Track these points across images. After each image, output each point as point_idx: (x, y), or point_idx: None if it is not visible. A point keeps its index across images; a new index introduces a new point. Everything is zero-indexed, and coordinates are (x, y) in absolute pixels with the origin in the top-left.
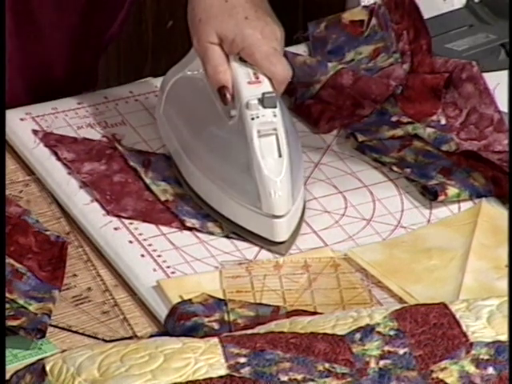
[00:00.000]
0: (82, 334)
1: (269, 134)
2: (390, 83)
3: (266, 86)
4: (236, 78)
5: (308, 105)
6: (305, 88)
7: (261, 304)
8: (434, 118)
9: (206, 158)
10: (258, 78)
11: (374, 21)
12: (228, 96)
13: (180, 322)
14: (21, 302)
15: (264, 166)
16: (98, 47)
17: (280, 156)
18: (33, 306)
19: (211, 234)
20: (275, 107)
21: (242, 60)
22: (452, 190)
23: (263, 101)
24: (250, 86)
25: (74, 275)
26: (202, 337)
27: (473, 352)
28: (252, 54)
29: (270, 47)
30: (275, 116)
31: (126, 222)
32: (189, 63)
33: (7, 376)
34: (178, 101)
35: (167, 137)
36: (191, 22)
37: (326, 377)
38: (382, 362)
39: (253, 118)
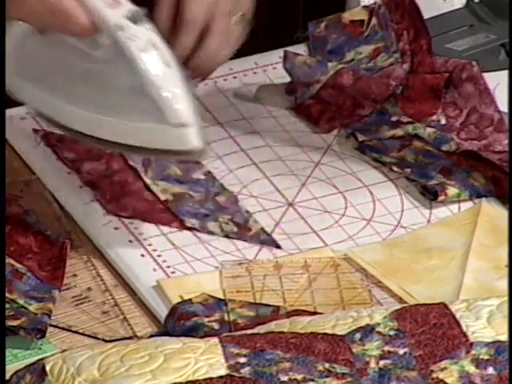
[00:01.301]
0: (82, 333)
1: (149, 49)
2: (390, 83)
3: (126, 5)
4: (93, 4)
5: (308, 105)
6: (305, 88)
7: (261, 304)
8: (434, 117)
9: (89, 95)
10: None
11: (374, 21)
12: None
13: (180, 321)
14: (21, 302)
15: (157, 80)
16: None
17: (169, 67)
18: (33, 306)
19: (211, 233)
20: (144, 21)
21: None
22: (452, 190)
23: (133, 18)
24: (111, 9)
25: (74, 275)
26: (202, 337)
27: (473, 352)
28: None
29: (227, 24)
30: (149, 30)
31: (126, 221)
32: None
33: (7, 376)
34: (28, 54)
35: (31, 95)
36: None
37: (326, 377)
38: (381, 362)
39: (129, 38)
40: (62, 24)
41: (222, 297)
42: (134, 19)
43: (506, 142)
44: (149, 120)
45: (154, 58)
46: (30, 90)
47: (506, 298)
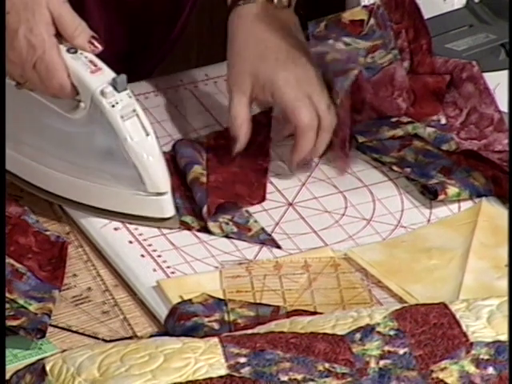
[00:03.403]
0: (82, 333)
1: (130, 116)
2: (401, 106)
3: (108, 72)
4: (76, 70)
5: None
6: (342, 76)
7: (261, 304)
8: (434, 117)
9: (65, 157)
10: (96, 65)
11: (372, 21)
12: (234, 147)
13: (180, 321)
14: (21, 302)
15: (138, 147)
16: (152, 62)
17: (147, 134)
18: (33, 306)
19: (211, 233)
20: (127, 89)
21: (72, 52)
22: (452, 190)
23: (116, 85)
24: (94, 76)
25: (74, 275)
26: (202, 337)
27: (473, 352)
28: (281, 97)
29: (299, 92)
30: (130, 97)
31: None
32: None
33: (7, 376)
34: None
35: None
36: (232, 49)
37: (326, 377)
38: (381, 362)
39: (113, 105)
40: (44, 79)
41: (221, 297)
42: (116, 86)
43: (506, 141)
44: (126, 186)
45: (134, 125)
46: None
47: (506, 298)
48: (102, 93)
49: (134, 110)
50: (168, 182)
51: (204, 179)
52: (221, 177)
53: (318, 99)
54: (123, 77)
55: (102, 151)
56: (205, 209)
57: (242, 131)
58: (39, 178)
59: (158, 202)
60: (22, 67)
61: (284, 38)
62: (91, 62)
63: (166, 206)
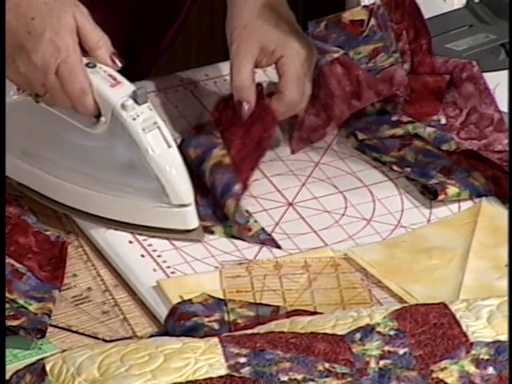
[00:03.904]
0: (82, 333)
1: (152, 128)
2: (396, 93)
3: (127, 85)
4: (96, 84)
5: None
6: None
7: (261, 304)
8: (435, 117)
9: (86, 171)
10: (115, 79)
11: (372, 21)
12: (244, 110)
13: (180, 321)
14: (21, 302)
15: (160, 159)
16: (149, 61)
17: (169, 146)
18: (33, 306)
19: (211, 233)
20: (147, 101)
21: (91, 66)
22: (452, 190)
23: (136, 98)
24: (114, 89)
25: (74, 275)
26: (202, 337)
27: (473, 352)
28: (285, 65)
29: (303, 68)
30: (151, 110)
31: None
32: (9, 89)
33: (7, 376)
34: (13, 128)
35: (16, 169)
36: (235, 25)
37: (326, 377)
38: (382, 362)
39: (134, 119)
40: (66, 83)
41: (222, 297)
42: (137, 99)
43: (506, 141)
44: (149, 199)
45: (156, 137)
46: (13, 163)
47: (506, 298)
48: (123, 106)
49: (155, 123)
50: (191, 193)
51: (227, 160)
52: (240, 144)
53: (308, 84)
54: (143, 89)
55: (124, 164)
56: (237, 186)
57: (251, 93)
58: (59, 193)
59: (182, 213)
60: (44, 72)
61: (290, 15)
62: (110, 75)
63: (190, 218)
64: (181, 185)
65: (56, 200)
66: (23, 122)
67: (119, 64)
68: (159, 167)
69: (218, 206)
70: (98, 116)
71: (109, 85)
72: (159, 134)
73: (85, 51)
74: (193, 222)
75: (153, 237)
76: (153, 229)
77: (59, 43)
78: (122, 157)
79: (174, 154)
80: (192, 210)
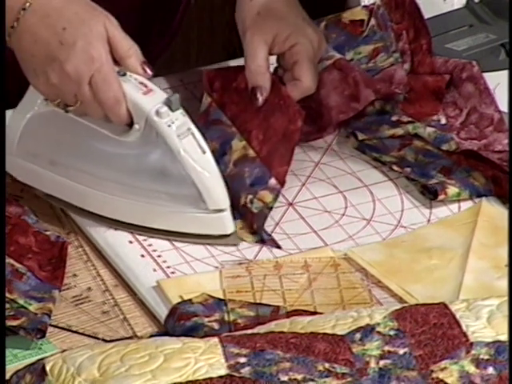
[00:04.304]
0: (82, 333)
1: (186, 134)
2: (395, 91)
3: (160, 92)
4: (128, 92)
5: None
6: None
7: (261, 304)
8: (435, 117)
9: (116, 179)
10: (146, 86)
11: (372, 21)
12: (259, 96)
13: (180, 321)
14: (21, 302)
15: (197, 166)
16: (149, 61)
17: (204, 152)
18: (33, 306)
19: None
20: (180, 108)
21: (122, 74)
22: (452, 190)
23: (170, 105)
24: (147, 96)
25: (74, 275)
26: (202, 337)
27: (473, 352)
28: (300, 53)
29: (315, 56)
30: (184, 116)
31: None
32: (35, 100)
33: (7, 376)
34: (40, 138)
35: (43, 180)
36: (247, 12)
37: (326, 377)
38: (382, 362)
39: (169, 125)
40: (100, 92)
41: (222, 297)
42: (171, 105)
43: (506, 141)
44: (184, 205)
45: (191, 143)
46: (40, 174)
47: (506, 298)
48: (157, 113)
49: (189, 129)
50: (227, 198)
51: (252, 152)
52: (261, 135)
53: (317, 69)
54: (176, 96)
55: (158, 171)
56: (273, 180)
57: (266, 79)
58: (89, 201)
59: (219, 219)
60: (77, 82)
61: (298, 3)
62: (141, 83)
63: (227, 223)
64: (217, 190)
65: (85, 209)
66: (50, 133)
67: (150, 72)
68: (196, 173)
69: (236, 198)
70: (130, 124)
71: (141, 92)
72: (193, 140)
73: (115, 60)
74: (229, 226)
75: (188, 243)
76: (188, 235)
77: (92, 53)
78: (156, 164)
79: (209, 160)
80: (228, 215)
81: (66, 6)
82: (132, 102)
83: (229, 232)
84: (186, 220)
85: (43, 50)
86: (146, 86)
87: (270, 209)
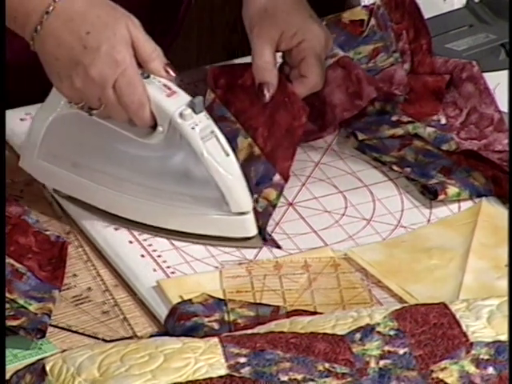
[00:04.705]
0: (82, 333)
1: (210, 137)
2: (395, 92)
3: (183, 94)
4: (152, 94)
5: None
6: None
7: (261, 304)
8: (435, 117)
9: (139, 182)
10: (170, 88)
11: (372, 21)
12: (266, 93)
13: (180, 321)
14: (21, 302)
15: (221, 169)
16: None
17: (227, 155)
18: (33, 306)
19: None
20: (203, 110)
21: (145, 77)
22: (452, 190)
23: (194, 107)
24: (171, 99)
25: (74, 275)
26: (202, 337)
27: (473, 352)
28: (307, 49)
29: (322, 52)
30: (208, 118)
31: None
32: (58, 101)
33: (7, 376)
34: (63, 140)
35: (65, 182)
36: (255, 9)
37: (326, 377)
38: (382, 362)
39: (193, 128)
40: (125, 96)
41: (222, 297)
42: (194, 108)
43: (506, 141)
44: (207, 207)
45: (214, 146)
46: (62, 176)
47: (506, 298)
48: (181, 115)
49: (213, 131)
50: (250, 200)
51: (257, 150)
52: (266, 132)
53: (324, 66)
54: (200, 98)
55: (181, 174)
56: (277, 177)
57: (273, 75)
58: (112, 204)
59: (242, 221)
60: (101, 86)
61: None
62: (165, 85)
63: (250, 225)
64: (240, 193)
65: (108, 211)
66: (73, 134)
67: (173, 74)
68: (219, 175)
69: None
70: (153, 126)
71: (165, 94)
72: (217, 143)
73: (138, 63)
74: (252, 229)
75: (211, 245)
76: (211, 237)
77: (117, 57)
78: (179, 166)
79: (233, 162)
80: (251, 218)
81: (88, 9)
82: (156, 104)
83: (251, 234)
84: (209, 222)
85: (67, 53)
86: (169, 89)
87: (274, 206)
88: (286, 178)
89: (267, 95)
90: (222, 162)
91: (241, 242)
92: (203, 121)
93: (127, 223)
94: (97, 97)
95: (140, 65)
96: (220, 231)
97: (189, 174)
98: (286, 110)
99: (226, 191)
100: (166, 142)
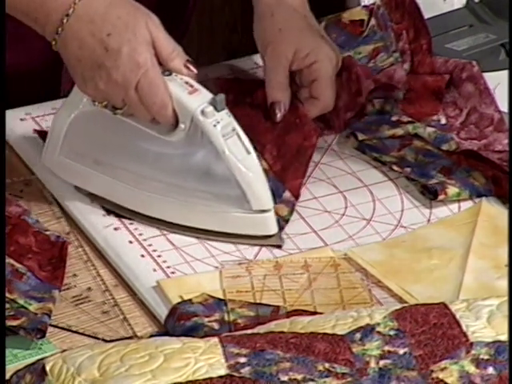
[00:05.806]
0: (82, 333)
1: (231, 135)
2: (393, 84)
3: (205, 92)
4: (174, 92)
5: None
6: None
7: (261, 304)
8: (435, 117)
9: (160, 179)
10: (192, 86)
11: (372, 21)
12: (278, 112)
13: (180, 321)
14: (21, 302)
15: (242, 166)
16: None
17: (248, 153)
18: (33, 306)
19: None
20: (225, 108)
21: (167, 74)
22: (452, 190)
23: (216, 105)
24: (193, 96)
25: (74, 275)
26: (202, 337)
27: (473, 352)
28: (319, 70)
29: (333, 73)
30: (229, 116)
31: (126, 222)
32: (80, 99)
33: (7, 376)
34: (85, 137)
35: (87, 179)
36: (269, 28)
37: (326, 377)
38: (381, 362)
39: (214, 125)
40: (147, 97)
41: (222, 297)
42: (216, 105)
43: (506, 141)
44: (229, 205)
45: (236, 144)
46: (84, 173)
47: (506, 298)
48: (203, 113)
49: (234, 129)
50: (271, 199)
51: (264, 163)
52: (275, 151)
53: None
54: (222, 96)
55: (202, 171)
56: (287, 193)
57: (286, 95)
58: (133, 201)
59: (263, 219)
60: (124, 88)
61: (315, 20)
62: (187, 83)
63: (270, 224)
64: (261, 190)
65: (130, 208)
66: (95, 132)
67: (194, 71)
68: (241, 173)
69: None
70: (175, 123)
71: (187, 92)
72: (238, 141)
73: (159, 62)
74: (273, 227)
75: (231, 243)
76: (232, 235)
77: (138, 58)
78: (201, 163)
79: (254, 160)
80: (272, 216)
81: (109, 10)
82: (177, 101)
83: (272, 232)
84: (230, 220)
85: (89, 55)
86: (191, 86)
87: (287, 221)
88: (296, 196)
89: (279, 114)
90: (243, 160)
91: (261, 239)
92: (225, 118)
93: (149, 220)
94: (120, 98)
95: (161, 64)
96: (241, 229)
97: (210, 172)
98: (296, 131)
99: (247, 189)
100: (188, 139)
